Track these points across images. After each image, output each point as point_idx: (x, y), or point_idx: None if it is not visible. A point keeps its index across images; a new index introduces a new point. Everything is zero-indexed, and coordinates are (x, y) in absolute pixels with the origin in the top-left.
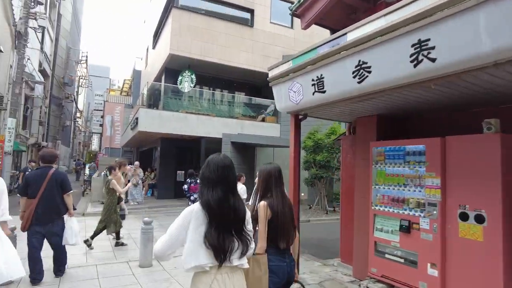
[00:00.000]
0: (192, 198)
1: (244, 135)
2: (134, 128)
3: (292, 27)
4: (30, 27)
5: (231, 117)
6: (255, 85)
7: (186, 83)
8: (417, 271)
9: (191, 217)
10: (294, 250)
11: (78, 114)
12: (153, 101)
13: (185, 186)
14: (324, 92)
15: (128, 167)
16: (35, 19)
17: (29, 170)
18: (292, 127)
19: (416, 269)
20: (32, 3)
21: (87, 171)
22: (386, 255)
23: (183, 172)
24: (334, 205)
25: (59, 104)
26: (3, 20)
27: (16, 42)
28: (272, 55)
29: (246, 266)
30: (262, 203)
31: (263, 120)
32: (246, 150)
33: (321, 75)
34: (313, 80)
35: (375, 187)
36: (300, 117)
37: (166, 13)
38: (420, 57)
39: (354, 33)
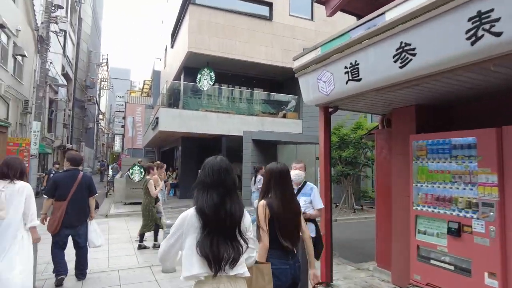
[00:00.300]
0: None
1: (265, 132)
2: (155, 128)
3: (312, 18)
4: (52, 31)
5: (251, 115)
6: (275, 81)
7: (205, 81)
8: (472, 281)
9: (185, 223)
10: (307, 250)
11: (100, 116)
12: (173, 100)
13: None
14: (359, 80)
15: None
16: (56, 23)
17: (53, 172)
18: (322, 122)
19: (469, 278)
20: (53, 8)
21: (110, 172)
22: (432, 261)
23: None
24: (362, 203)
25: (82, 106)
26: (26, 25)
27: (39, 46)
28: (292, 49)
29: (247, 274)
30: (261, 202)
31: (284, 116)
32: (268, 147)
33: (356, 61)
34: (346, 67)
35: (416, 185)
36: (330, 110)
37: (183, 10)
38: (480, 32)
39: (394, 11)
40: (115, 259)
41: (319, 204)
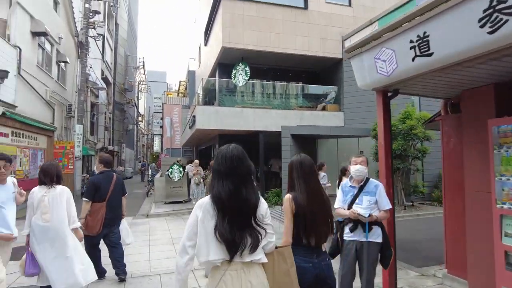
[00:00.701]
0: None
1: (304, 126)
2: (192, 126)
3: (350, 4)
4: (90, 36)
5: (288, 109)
6: (312, 72)
7: (240, 76)
8: None
9: (200, 211)
10: None
11: (139, 118)
12: (209, 98)
13: None
14: (430, 55)
15: (189, 165)
16: (94, 28)
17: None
18: (380, 108)
19: None
20: (91, 13)
21: (150, 172)
22: None
23: None
24: (412, 199)
25: (121, 109)
26: (67, 33)
27: (79, 51)
28: (329, 37)
29: (264, 260)
30: (287, 196)
31: (323, 109)
32: (307, 143)
33: (425, 33)
34: (412, 41)
35: (500, 179)
36: (389, 94)
37: (216, 5)
38: None
39: None
40: (156, 262)
41: (387, 204)
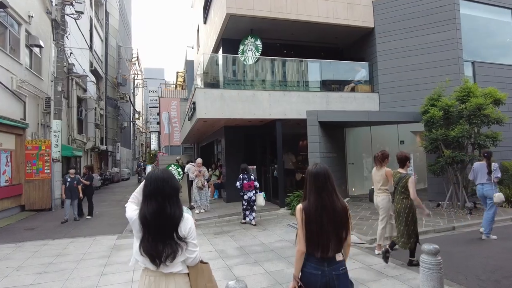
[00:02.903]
0: (246, 197)
1: (336, 111)
2: (192, 116)
3: None
4: (67, 14)
5: (310, 91)
6: (333, 49)
7: (250, 52)
8: None
9: (131, 221)
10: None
11: (136, 116)
12: (211, 79)
13: (238, 184)
14: None
15: (189, 164)
16: (71, 3)
17: (69, 180)
18: None
19: None
20: None
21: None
22: None
23: (254, 167)
24: (474, 199)
25: (115, 105)
26: (41, 13)
27: (54, 32)
28: (358, 2)
29: (185, 271)
30: (298, 206)
31: (352, 90)
32: (335, 132)
33: None
34: None
35: None
36: None
37: None
38: None
39: None
40: None
41: None
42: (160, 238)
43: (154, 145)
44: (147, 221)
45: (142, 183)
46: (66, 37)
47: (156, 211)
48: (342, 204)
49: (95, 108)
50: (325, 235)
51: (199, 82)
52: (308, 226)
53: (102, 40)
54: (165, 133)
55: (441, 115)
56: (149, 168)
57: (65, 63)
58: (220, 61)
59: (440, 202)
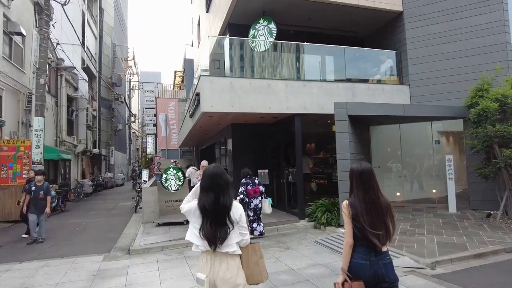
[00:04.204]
0: (252, 205)
1: (366, 104)
2: (195, 111)
3: None
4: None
5: (334, 81)
6: (353, 38)
7: (262, 37)
8: None
9: (191, 211)
10: None
11: (132, 118)
12: (217, 66)
13: (241, 189)
14: None
15: (190, 168)
16: None
17: (33, 187)
18: None
19: None
20: None
21: (144, 178)
22: None
23: (266, 171)
24: None
25: (109, 106)
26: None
27: (37, 18)
28: None
29: (238, 252)
30: (344, 202)
31: (378, 81)
32: (361, 129)
33: None
34: None
35: None
36: None
37: None
38: None
39: None
40: None
41: None
42: (216, 223)
43: (150, 149)
44: (206, 209)
45: (197, 185)
46: (52, 25)
47: (213, 201)
48: (386, 200)
49: (87, 108)
50: (375, 228)
51: (202, 71)
52: (357, 219)
53: (96, 38)
54: (162, 135)
55: (497, 107)
56: (144, 173)
57: (50, 55)
58: (227, 46)
59: (491, 212)
